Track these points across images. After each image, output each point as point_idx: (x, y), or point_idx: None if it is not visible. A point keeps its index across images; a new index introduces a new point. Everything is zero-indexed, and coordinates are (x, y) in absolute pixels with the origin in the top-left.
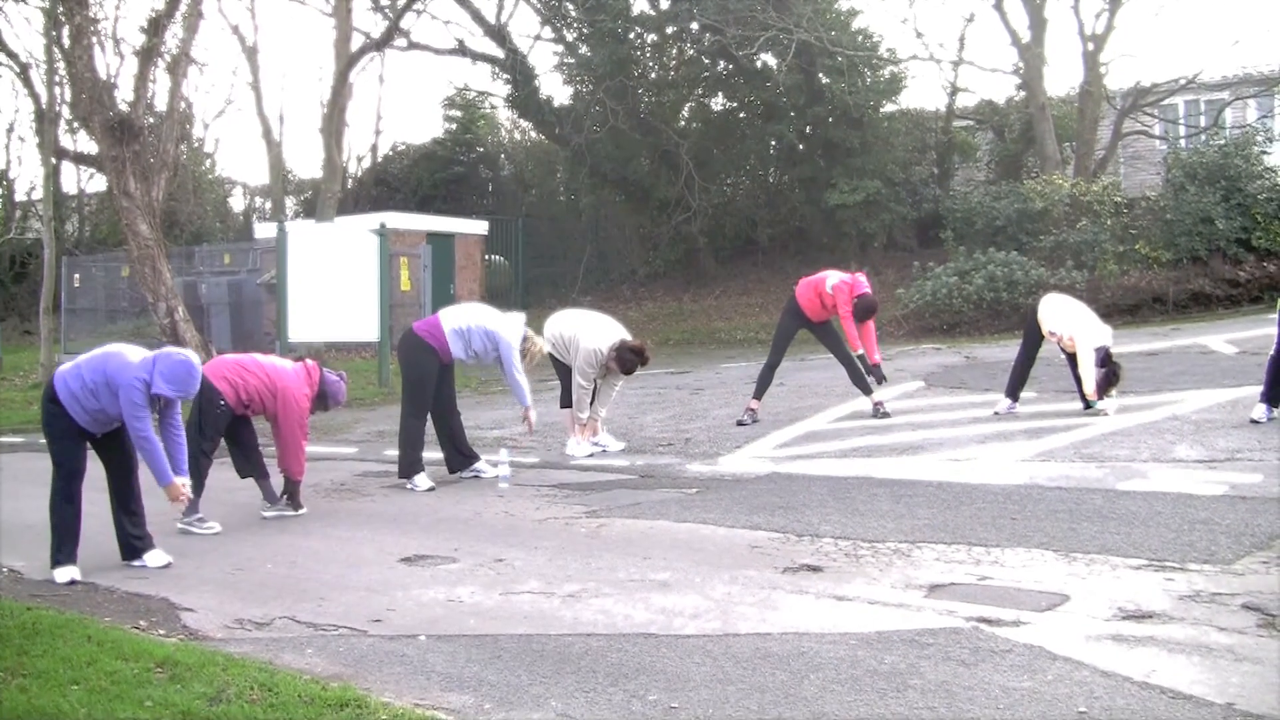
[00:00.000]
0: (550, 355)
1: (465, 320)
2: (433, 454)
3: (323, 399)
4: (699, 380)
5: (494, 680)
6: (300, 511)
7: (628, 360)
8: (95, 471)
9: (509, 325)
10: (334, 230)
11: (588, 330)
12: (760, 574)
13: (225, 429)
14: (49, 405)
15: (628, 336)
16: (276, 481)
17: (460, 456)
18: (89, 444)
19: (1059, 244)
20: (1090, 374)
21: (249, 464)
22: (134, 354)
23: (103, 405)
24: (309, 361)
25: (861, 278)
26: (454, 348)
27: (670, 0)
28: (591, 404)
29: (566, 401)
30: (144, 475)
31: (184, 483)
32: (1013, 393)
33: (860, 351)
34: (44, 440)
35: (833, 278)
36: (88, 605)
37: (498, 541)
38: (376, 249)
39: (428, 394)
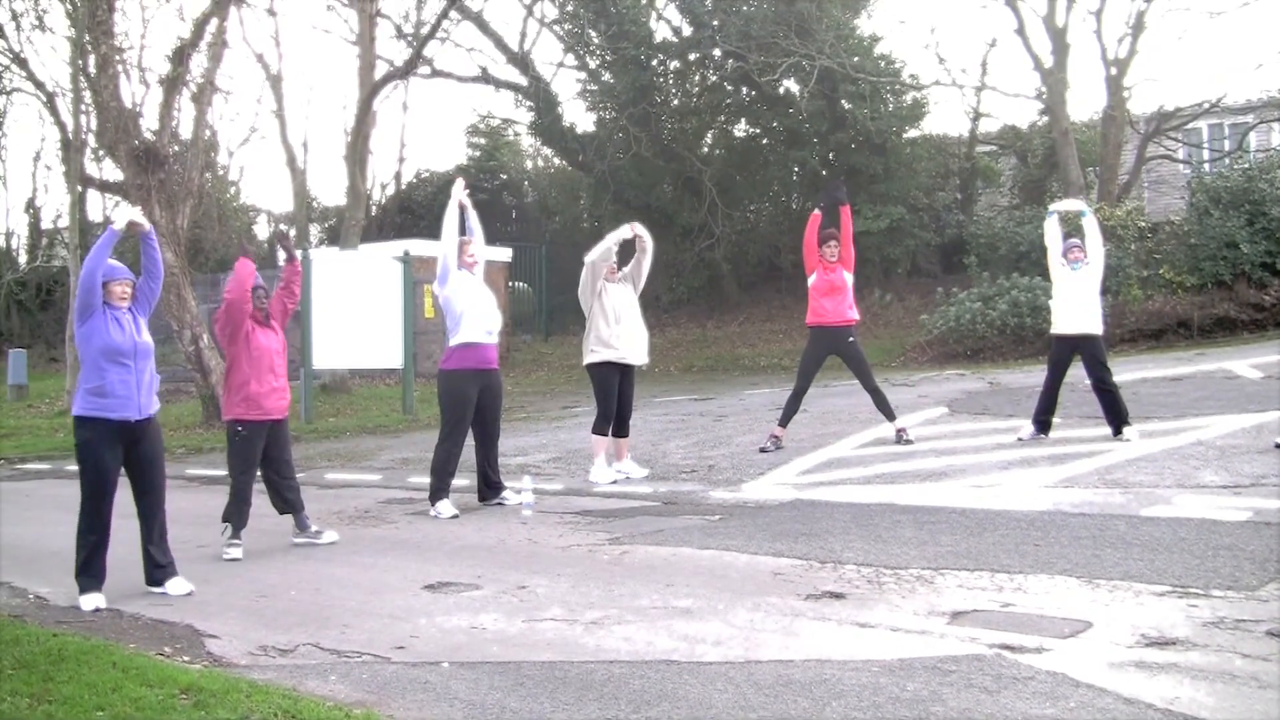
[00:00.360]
0: (591, 370)
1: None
2: (460, 481)
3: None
4: (722, 407)
5: (516, 707)
6: (314, 535)
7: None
8: (123, 499)
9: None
10: (358, 258)
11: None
12: (783, 601)
13: (260, 455)
14: (79, 429)
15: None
16: (309, 510)
17: (488, 488)
18: (120, 470)
19: None
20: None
21: (284, 502)
22: None
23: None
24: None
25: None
26: (449, 323)
27: (692, 27)
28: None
29: (599, 428)
30: (172, 502)
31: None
32: (1040, 421)
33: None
34: (71, 466)
35: (812, 275)
36: (113, 632)
37: (521, 568)
38: (400, 276)
39: (463, 420)
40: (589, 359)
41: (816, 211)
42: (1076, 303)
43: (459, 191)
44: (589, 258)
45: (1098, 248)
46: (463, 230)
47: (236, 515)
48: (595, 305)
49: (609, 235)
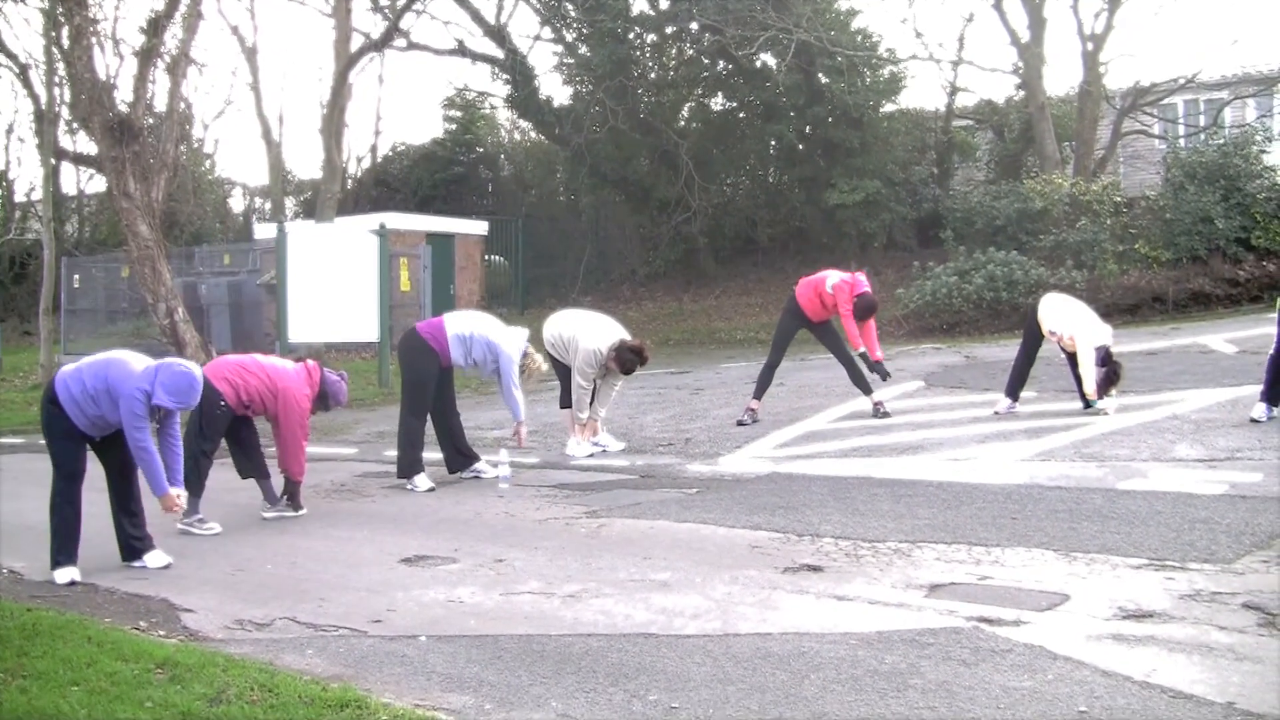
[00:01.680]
0: (550, 355)
1: (469, 327)
2: (433, 454)
3: (323, 399)
4: (699, 380)
5: (494, 680)
6: (300, 512)
7: (627, 360)
8: (95, 472)
9: (511, 339)
10: (334, 231)
11: (587, 331)
12: (760, 574)
13: (226, 429)
14: (49, 407)
15: (627, 336)
16: (277, 482)
17: (460, 456)
18: (89, 445)
19: (1059, 244)
20: (1090, 373)
21: (250, 464)
22: (136, 362)
23: (102, 412)
24: (310, 362)
25: (861, 277)
26: (454, 352)
27: (670, 0)
28: (591, 404)
29: (566, 402)
30: (143, 478)
31: (178, 494)
32: (1013, 392)
33: (862, 349)
34: (44, 441)
35: (833, 277)
36: (88, 606)
37: (498, 542)
38: (376, 249)
39: (428, 395)
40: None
41: (864, 291)
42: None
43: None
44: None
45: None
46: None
47: (196, 483)
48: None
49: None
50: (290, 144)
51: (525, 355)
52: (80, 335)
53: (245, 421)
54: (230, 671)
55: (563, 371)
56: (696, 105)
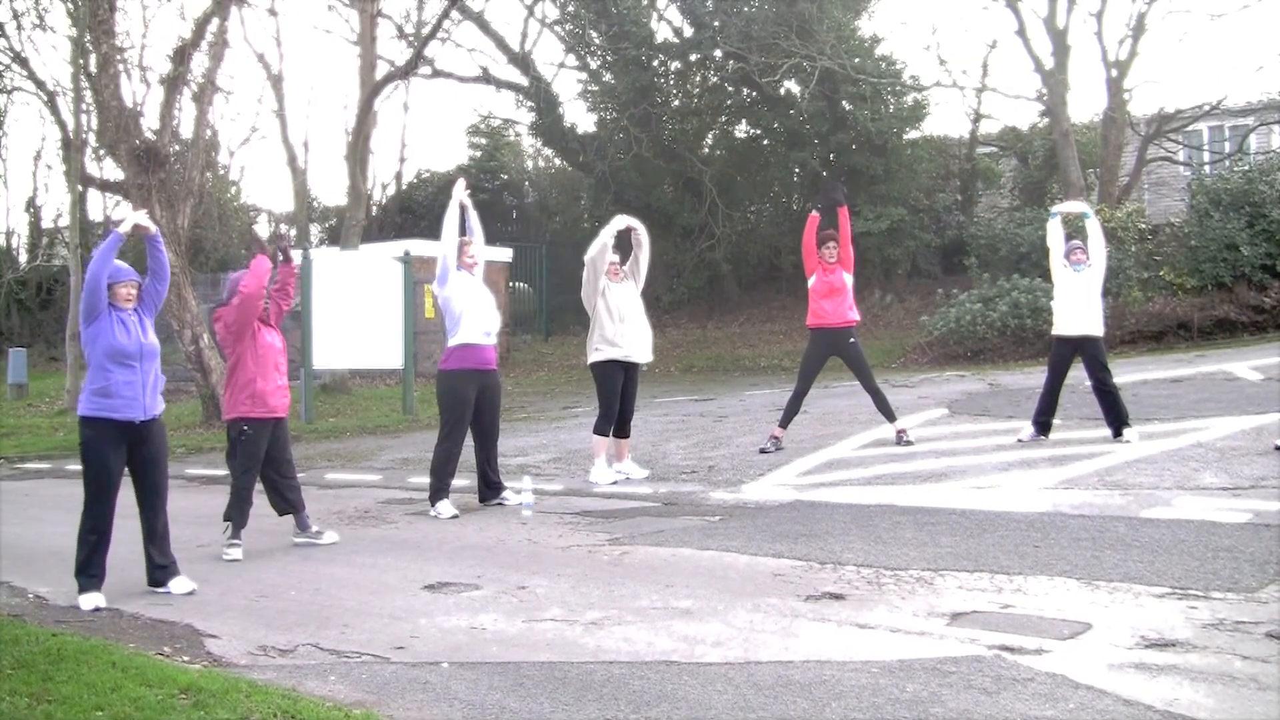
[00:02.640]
0: (595, 370)
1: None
2: (460, 481)
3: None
4: (722, 408)
5: (516, 708)
6: (315, 535)
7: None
8: (124, 499)
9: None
10: (358, 258)
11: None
12: (782, 602)
13: (263, 454)
14: (84, 429)
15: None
16: (310, 510)
17: (488, 488)
18: (123, 470)
19: None
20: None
21: (284, 503)
22: None
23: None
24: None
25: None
26: (448, 325)
27: (693, 28)
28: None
29: (601, 428)
30: (174, 502)
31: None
32: (1039, 421)
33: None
34: (71, 466)
35: (811, 272)
36: (112, 631)
37: (521, 569)
38: (401, 276)
39: (461, 421)
40: (593, 358)
41: (815, 213)
42: (1078, 304)
43: (459, 191)
44: (588, 254)
45: (1100, 250)
46: (463, 230)
47: (238, 514)
48: (599, 304)
49: (603, 230)
50: (315, 171)
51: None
52: None
53: (271, 460)
54: (254, 697)
55: (608, 390)
56: (720, 132)
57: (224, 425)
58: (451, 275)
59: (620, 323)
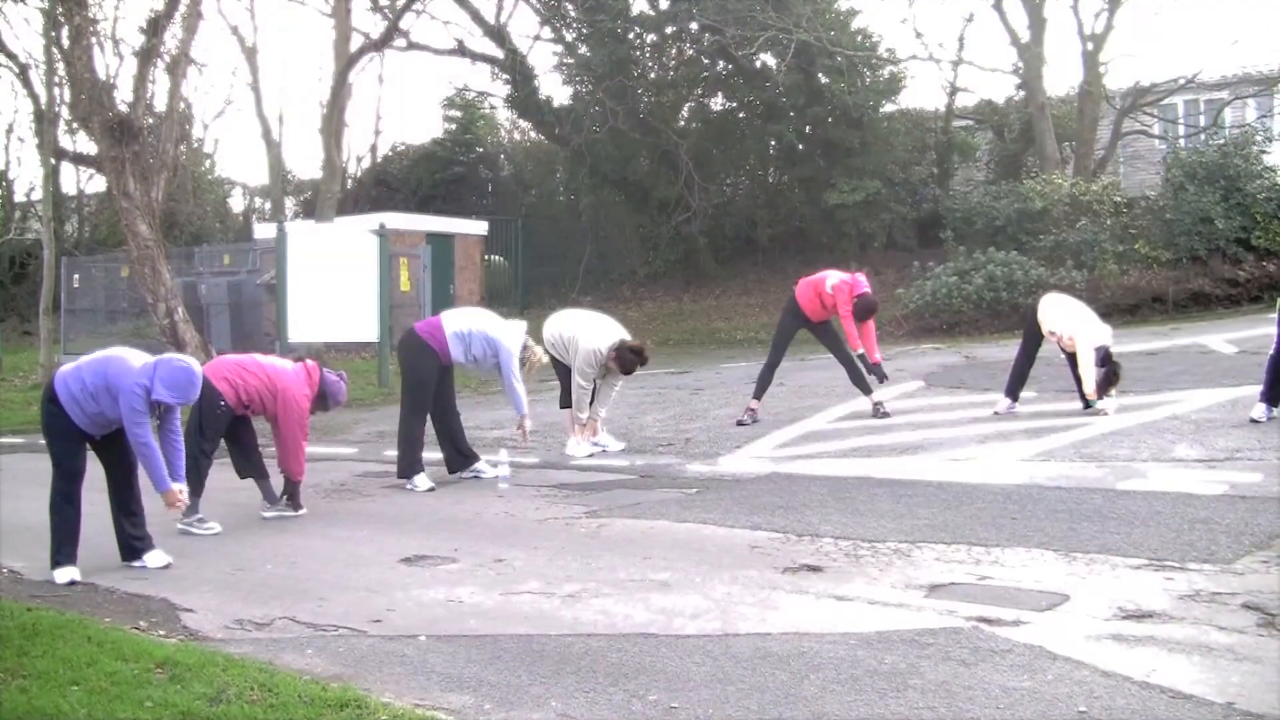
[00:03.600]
0: (550, 355)
1: (467, 324)
2: (432, 454)
3: (323, 399)
4: (699, 380)
5: (494, 680)
6: (300, 512)
7: (627, 360)
8: (95, 472)
9: (510, 332)
10: (333, 231)
11: (587, 331)
12: (760, 574)
13: (225, 429)
14: (48, 406)
15: (627, 336)
16: (276, 482)
17: (460, 456)
18: (89, 445)
19: (1058, 244)
20: (1090, 373)
21: (249, 464)
22: (135, 359)
23: (102, 409)
24: (309, 361)
25: (861, 277)
26: (454, 350)
27: (670, 0)
28: (591, 404)
29: (566, 402)
30: (144, 476)
31: (180, 489)
32: (1012, 392)
33: (860, 351)
34: (44, 441)
35: (832, 278)
36: (88, 606)
37: (498, 542)
38: (376, 249)
39: (428, 395)
40: (549, 349)
41: (864, 291)
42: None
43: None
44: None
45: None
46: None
47: (195, 482)
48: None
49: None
50: (290, 144)
51: (525, 348)
52: (80, 335)
53: (244, 421)
54: (230, 671)
55: (562, 371)
56: (696, 105)
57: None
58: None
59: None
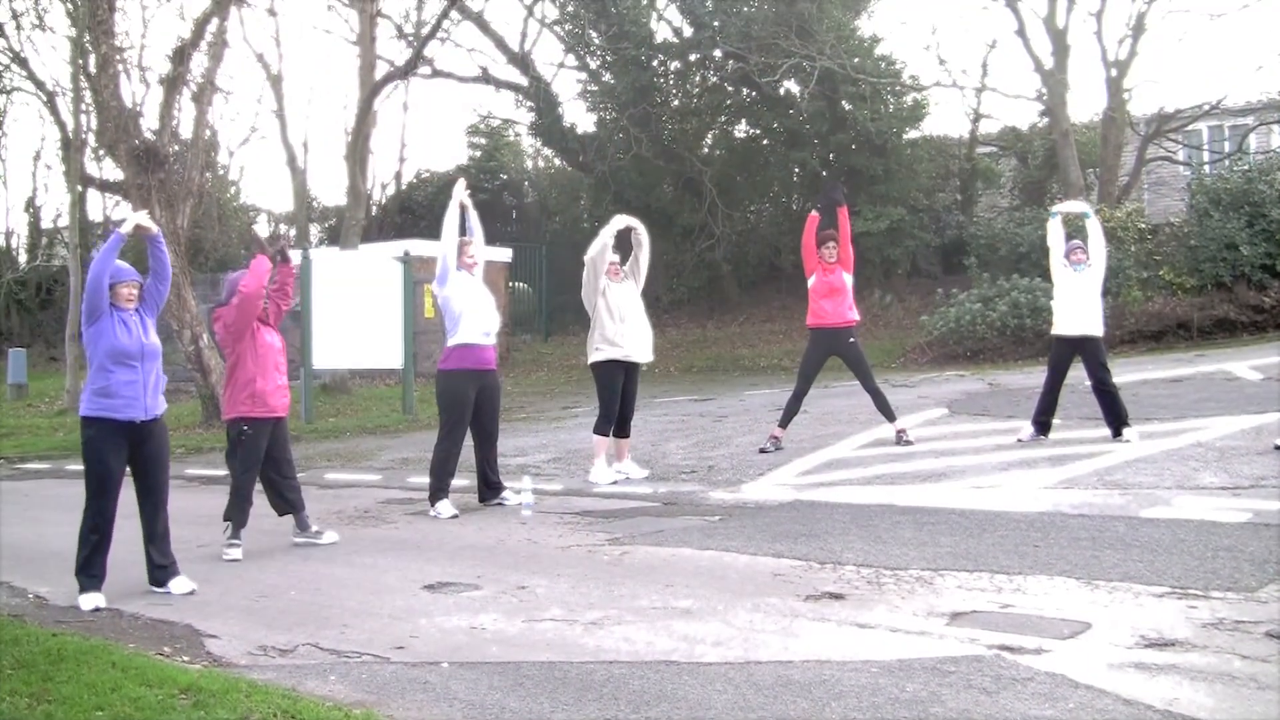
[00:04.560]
0: (595, 370)
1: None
2: (461, 481)
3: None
4: (722, 407)
5: (516, 708)
6: (315, 535)
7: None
8: (124, 498)
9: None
10: (358, 257)
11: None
12: (782, 601)
13: (263, 454)
14: (85, 429)
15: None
16: (309, 510)
17: (488, 489)
18: (124, 469)
19: None
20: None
21: (284, 502)
22: None
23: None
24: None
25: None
26: (449, 328)
27: (693, 28)
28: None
29: (601, 428)
30: (174, 502)
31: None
32: (1039, 420)
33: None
34: (71, 466)
35: (811, 272)
36: (112, 632)
37: (520, 569)
38: (400, 276)
39: (462, 420)
40: (594, 357)
41: (814, 213)
42: (1078, 304)
43: (460, 192)
44: (588, 254)
45: (1100, 249)
46: (463, 230)
47: (238, 514)
48: (600, 303)
49: (603, 230)
50: (315, 171)
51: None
52: None
53: (271, 460)
54: (253, 697)
55: (608, 391)
56: (720, 132)
57: (224, 425)
58: (451, 275)
59: (620, 322)
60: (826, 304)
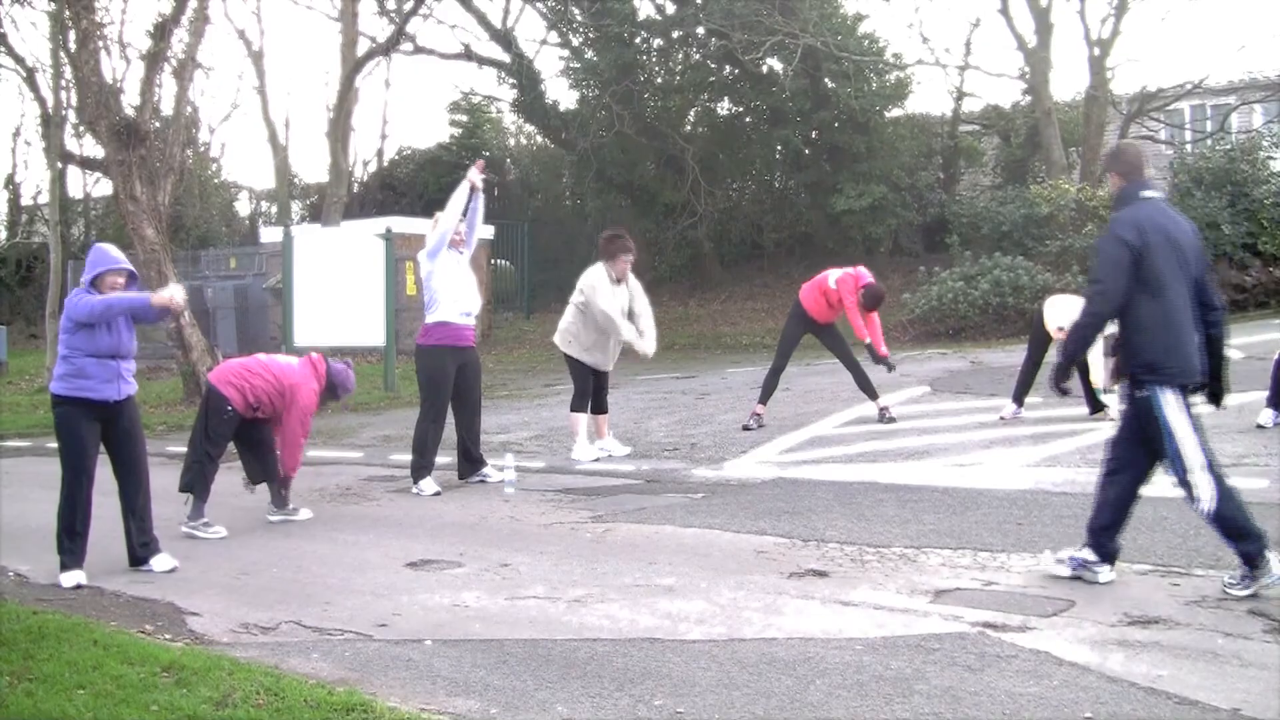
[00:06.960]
0: (566, 356)
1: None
2: (444, 458)
3: (332, 390)
4: (705, 385)
5: (499, 685)
6: (291, 511)
7: (613, 249)
8: (104, 475)
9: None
10: (340, 234)
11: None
12: (766, 579)
13: (234, 433)
14: (56, 407)
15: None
16: (291, 487)
17: (469, 464)
18: (99, 446)
19: (1065, 249)
20: (1100, 361)
21: (262, 468)
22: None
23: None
24: (314, 355)
25: (863, 270)
26: (428, 303)
27: (676, 5)
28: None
29: (577, 406)
30: (154, 480)
31: (170, 294)
32: (1018, 398)
33: (867, 341)
34: (52, 444)
35: (834, 274)
36: (94, 609)
37: (503, 546)
38: (382, 253)
39: (443, 396)
40: (567, 350)
41: (869, 282)
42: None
43: (475, 174)
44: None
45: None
46: (466, 210)
47: (201, 486)
48: (597, 304)
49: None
50: (296, 148)
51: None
52: None
53: (255, 424)
54: (236, 675)
55: (580, 373)
56: (702, 110)
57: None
58: (442, 251)
59: (599, 334)
60: (819, 308)
